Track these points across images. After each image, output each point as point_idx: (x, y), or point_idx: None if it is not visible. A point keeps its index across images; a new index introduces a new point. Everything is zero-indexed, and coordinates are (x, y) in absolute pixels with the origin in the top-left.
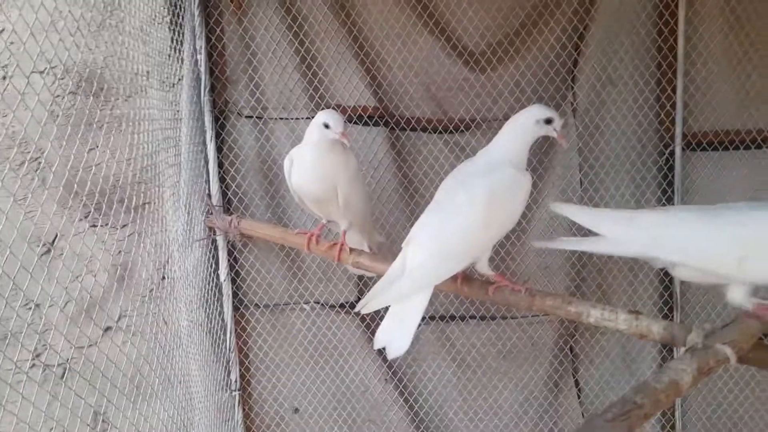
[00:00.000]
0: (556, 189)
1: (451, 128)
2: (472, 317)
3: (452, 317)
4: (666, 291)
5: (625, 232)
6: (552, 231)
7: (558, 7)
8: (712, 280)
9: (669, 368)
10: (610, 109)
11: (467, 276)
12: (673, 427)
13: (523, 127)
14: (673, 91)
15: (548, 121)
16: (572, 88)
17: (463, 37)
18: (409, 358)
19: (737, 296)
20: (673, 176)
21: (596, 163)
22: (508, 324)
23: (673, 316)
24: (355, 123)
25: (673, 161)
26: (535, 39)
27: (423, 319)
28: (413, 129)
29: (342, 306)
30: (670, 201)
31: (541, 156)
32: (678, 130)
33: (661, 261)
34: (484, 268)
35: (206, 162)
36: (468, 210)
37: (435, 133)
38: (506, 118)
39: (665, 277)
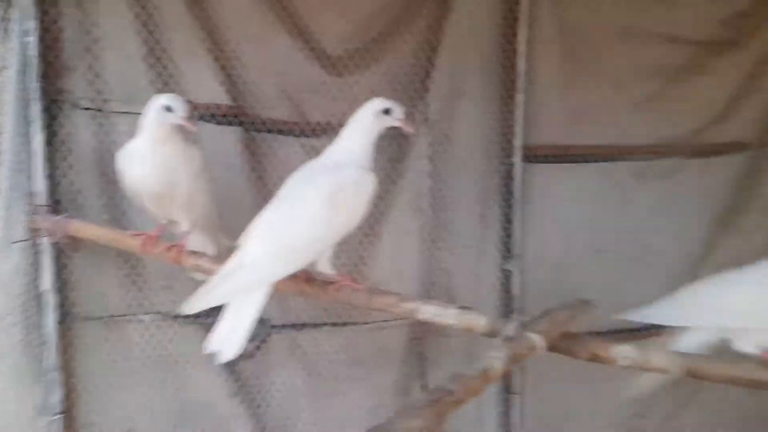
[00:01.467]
0: (407, 195)
1: (307, 131)
2: (324, 324)
3: (303, 324)
4: (506, 293)
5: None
6: (407, 235)
7: (413, 20)
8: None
9: (483, 357)
10: (459, 119)
11: (310, 276)
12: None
13: (364, 122)
14: (515, 106)
15: (387, 112)
16: (425, 98)
17: (321, 41)
18: (257, 369)
19: (746, 346)
20: (513, 186)
21: (445, 170)
22: (359, 330)
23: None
24: (206, 121)
25: (514, 171)
26: (391, 48)
27: (273, 327)
28: (269, 131)
29: (186, 317)
30: (511, 208)
31: (394, 163)
32: (518, 143)
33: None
34: (326, 268)
35: (30, 156)
36: (309, 206)
37: (291, 135)
38: None
39: (505, 279)
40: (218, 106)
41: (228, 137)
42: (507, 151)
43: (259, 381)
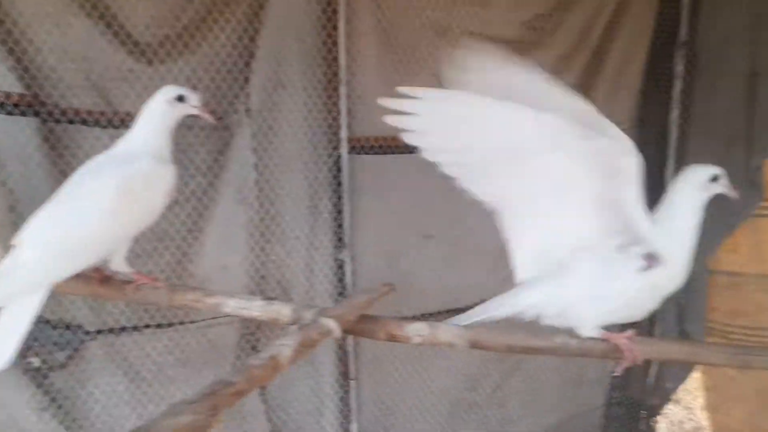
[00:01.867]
0: (232, 188)
1: (116, 122)
2: (147, 326)
3: (123, 328)
4: (340, 282)
5: None
6: (233, 229)
7: (229, 7)
8: None
9: (270, 345)
10: (282, 111)
11: (105, 276)
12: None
13: (156, 110)
14: (338, 98)
15: (181, 99)
16: (245, 88)
17: (126, 25)
18: (71, 380)
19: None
20: (341, 177)
21: (271, 162)
22: (187, 329)
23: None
24: None
25: (341, 163)
26: (206, 36)
27: (88, 333)
28: (71, 121)
29: None
30: (340, 199)
31: (216, 155)
32: (343, 135)
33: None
34: (121, 266)
35: None
36: (94, 200)
37: (98, 126)
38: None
39: (339, 269)
40: (8, 95)
41: (22, 129)
42: (334, 143)
43: (74, 393)
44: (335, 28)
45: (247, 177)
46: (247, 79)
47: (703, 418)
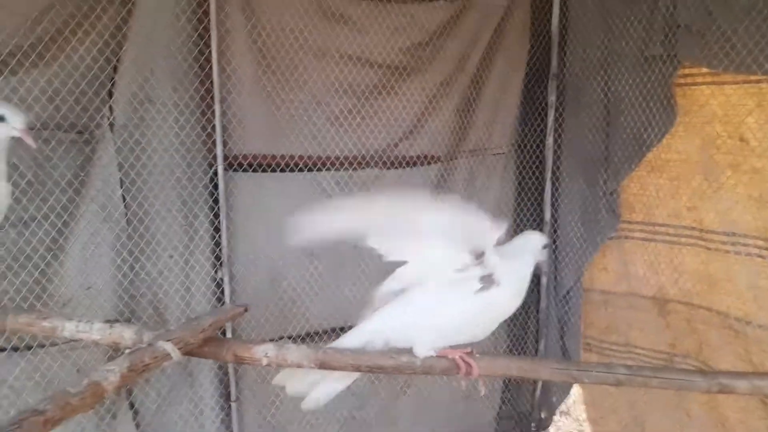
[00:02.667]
0: (95, 204)
1: None
2: (2, 349)
3: None
4: (219, 302)
5: None
6: (95, 248)
7: (86, 18)
8: None
9: (94, 370)
10: (150, 126)
11: None
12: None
13: None
14: (213, 115)
15: (1, 119)
16: (108, 102)
17: None
18: None
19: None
20: (218, 194)
21: (139, 179)
22: (47, 352)
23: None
24: None
25: (218, 180)
26: (64, 47)
27: None
28: None
29: None
30: (217, 217)
31: (77, 170)
32: (219, 152)
33: None
34: None
35: None
36: None
37: None
38: (43, 126)
39: (217, 288)
40: None
41: None
42: (209, 160)
43: None
44: (207, 45)
45: (112, 193)
46: (110, 93)
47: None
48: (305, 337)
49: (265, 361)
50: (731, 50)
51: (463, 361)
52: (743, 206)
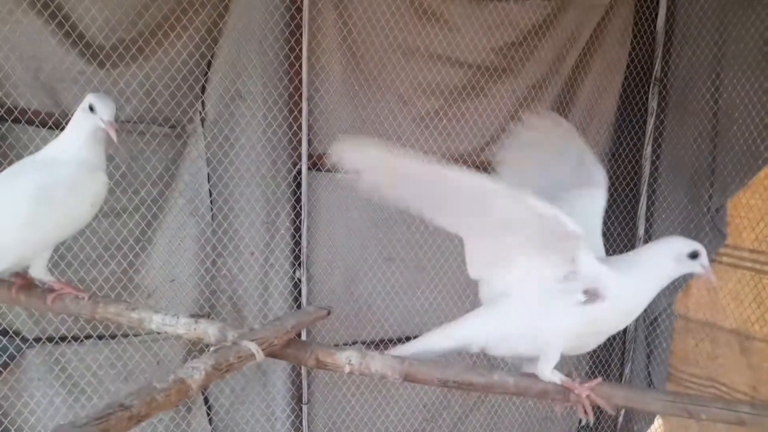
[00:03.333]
0: (183, 198)
1: (65, 124)
2: (88, 337)
3: (64, 338)
4: (295, 302)
5: None
6: (180, 241)
7: (185, 14)
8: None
9: (180, 368)
10: (239, 123)
11: (26, 282)
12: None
13: (76, 118)
14: (300, 113)
15: (91, 109)
16: (200, 98)
17: (78, 26)
18: (5, 389)
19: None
20: (300, 193)
21: (226, 175)
22: (130, 343)
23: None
24: None
25: (301, 179)
26: (162, 42)
27: (26, 341)
28: (17, 120)
29: None
30: (298, 217)
31: (168, 164)
32: (304, 150)
33: None
34: (41, 274)
35: None
36: (11, 203)
37: (45, 128)
38: (139, 119)
39: (294, 289)
40: None
41: None
42: (294, 159)
43: (7, 403)
44: (299, 42)
45: (200, 188)
46: (203, 89)
47: None
48: (379, 344)
49: (347, 369)
50: None
51: (589, 399)
52: None
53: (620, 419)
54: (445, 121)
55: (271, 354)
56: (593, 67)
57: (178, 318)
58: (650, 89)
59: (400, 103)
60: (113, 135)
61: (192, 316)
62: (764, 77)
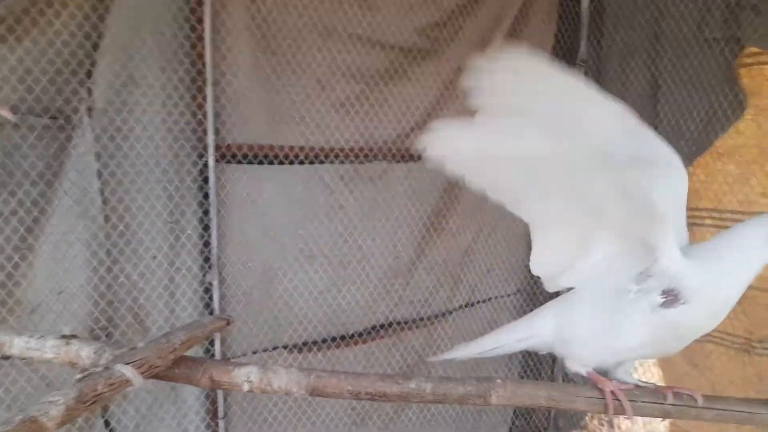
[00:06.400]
0: (69, 199)
1: None
2: None
3: None
4: (207, 308)
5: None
6: (68, 247)
7: None
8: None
9: (33, 403)
10: (134, 111)
11: None
12: None
13: None
14: (204, 99)
15: None
16: (86, 83)
17: None
18: None
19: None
20: (208, 189)
21: (119, 171)
22: (13, 365)
23: (213, 340)
24: None
25: (208, 173)
26: (37, 21)
27: None
28: None
29: None
30: (207, 214)
31: (49, 160)
32: (210, 141)
33: None
34: None
35: None
36: None
37: None
38: (13, 110)
39: (205, 294)
40: None
41: None
42: (200, 150)
43: None
44: (200, 21)
45: (89, 187)
46: (89, 73)
47: None
48: (302, 347)
49: (246, 387)
50: None
51: (614, 397)
52: None
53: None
54: (366, 106)
55: (155, 376)
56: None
57: (45, 340)
58: (576, 71)
59: (318, 88)
60: (7, 114)
61: (63, 336)
62: (703, 57)
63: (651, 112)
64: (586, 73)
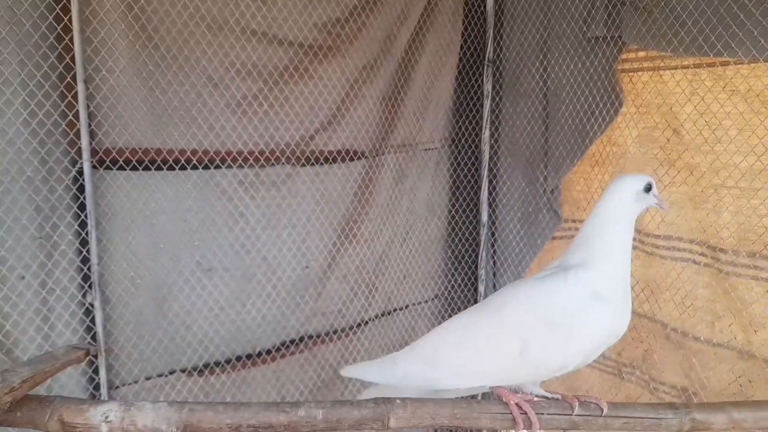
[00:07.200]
0: None
1: None
2: None
3: None
4: (89, 333)
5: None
6: None
7: None
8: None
9: None
10: None
11: None
12: None
13: None
14: (75, 98)
15: None
16: None
17: None
18: None
19: None
20: (84, 198)
21: None
22: None
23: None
24: None
25: (84, 180)
26: None
27: None
28: None
29: None
30: (83, 226)
31: None
32: (85, 144)
33: None
34: None
35: None
36: None
37: None
38: None
39: (86, 316)
40: None
41: None
42: (72, 156)
43: None
44: (66, 9)
45: None
46: None
47: None
48: (203, 369)
49: (105, 429)
50: (681, 29)
51: (520, 410)
52: (678, 207)
53: None
54: (266, 106)
55: None
56: (427, 48)
57: None
58: (484, 71)
59: (210, 86)
60: None
61: None
62: (585, 56)
63: (542, 114)
64: (494, 74)
